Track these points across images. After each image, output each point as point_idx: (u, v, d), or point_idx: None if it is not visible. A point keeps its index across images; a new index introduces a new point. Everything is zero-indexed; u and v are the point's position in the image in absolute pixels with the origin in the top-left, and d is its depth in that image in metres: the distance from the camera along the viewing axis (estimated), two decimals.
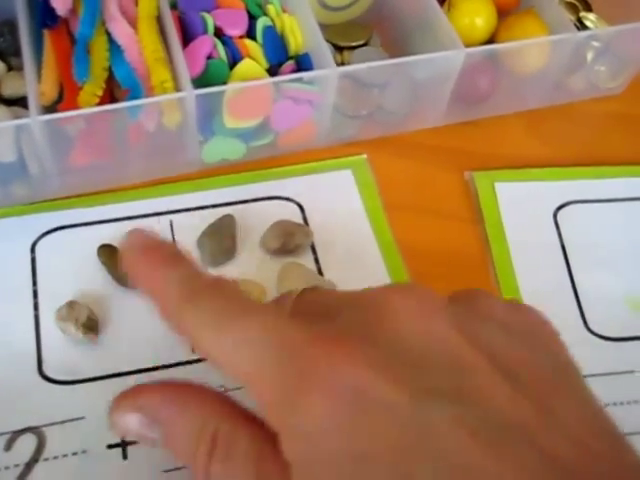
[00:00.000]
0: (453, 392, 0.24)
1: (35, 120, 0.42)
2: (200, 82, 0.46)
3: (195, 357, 0.42)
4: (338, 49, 0.54)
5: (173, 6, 0.50)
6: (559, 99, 0.57)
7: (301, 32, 0.50)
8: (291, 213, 0.48)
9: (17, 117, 0.44)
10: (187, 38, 0.48)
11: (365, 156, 0.52)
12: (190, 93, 0.44)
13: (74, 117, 0.43)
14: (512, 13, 0.55)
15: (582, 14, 0.56)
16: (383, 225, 0.48)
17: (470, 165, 0.52)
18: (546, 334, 0.29)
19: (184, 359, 0.42)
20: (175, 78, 0.46)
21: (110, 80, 0.46)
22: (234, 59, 0.48)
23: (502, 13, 0.54)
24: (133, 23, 0.47)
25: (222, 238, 0.45)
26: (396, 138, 0.53)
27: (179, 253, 0.30)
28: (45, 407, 0.39)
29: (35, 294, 0.43)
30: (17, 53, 0.47)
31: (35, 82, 0.45)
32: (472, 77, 0.52)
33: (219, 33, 0.49)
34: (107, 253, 0.44)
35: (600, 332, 0.46)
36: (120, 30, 0.46)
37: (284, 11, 0.51)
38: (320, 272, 0.46)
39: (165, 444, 0.28)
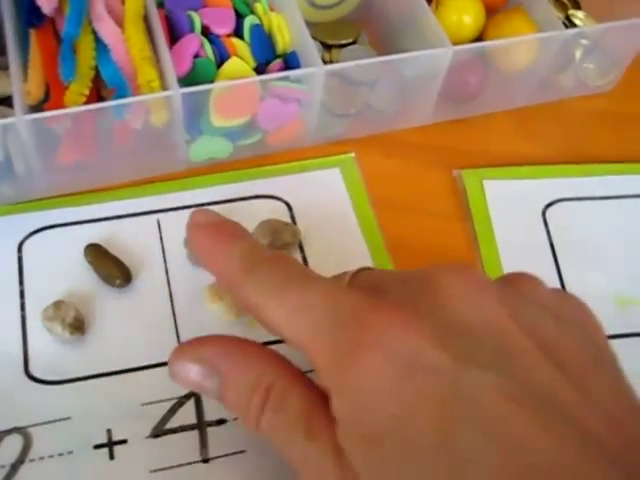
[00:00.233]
0: (497, 365, 0.25)
1: (21, 119, 0.42)
2: (187, 81, 0.46)
3: None
4: (326, 47, 0.54)
5: (160, 5, 0.50)
6: (548, 97, 0.57)
7: (289, 30, 0.50)
8: (279, 212, 0.48)
9: (3, 116, 0.44)
10: (174, 37, 0.48)
11: (353, 154, 0.52)
12: (176, 92, 0.44)
13: (60, 116, 0.43)
14: (500, 11, 0.55)
15: (571, 12, 0.56)
16: (371, 224, 0.48)
17: (458, 163, 0.52)
18: (588, 322, 0.30)
19: None
20: (162, 77, 0.45)
21: (97, 79, 0.45)
22: (221, 58, 0.48)
23: (490, 11, 0.54)
24: (120, 22, 0.47)
25: None
26: (384, 136, 0.53)
27: (240, 230, 0.33)
28: (31, 407, 0.39)
29: (22, 294, 0.43)
30: (2, 52, 0.46)
31: (21, 81, 0.45)
32: (460, 75, 0.51)
33: (206, 32, 0.49)
34: (94, 253, 0.44)
35: None
36: (106, 29, 0.46)
37: (272, 9, 0.51)
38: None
39: (220, 395, 0.30)
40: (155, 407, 0.39)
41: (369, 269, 0.33)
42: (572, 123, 0.57)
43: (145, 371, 0.41)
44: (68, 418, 0.39)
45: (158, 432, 0.39)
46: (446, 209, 0.50)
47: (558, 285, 0.47)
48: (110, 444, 0.38)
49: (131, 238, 0.46)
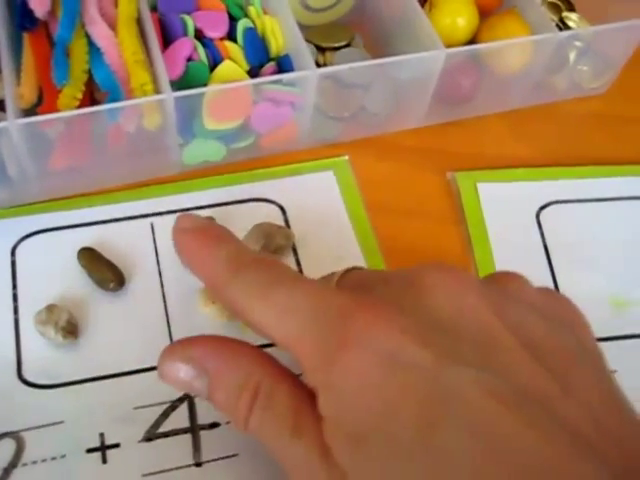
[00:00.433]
0: (480, 362, 0.26)
1: (14, 123, 0.42)
2: (181, 84, 0.46)
3: None
4: (320, 50, 0.54)
5: (153, 8, 0.50)
6: (542, 99, 0.57)
7: (282, 34, 0.50)
8: (273, 215, 0.48)
9: None
10: (167, 40, 0.48)
11: (347, 157, 0.51)
12: (169, 95, 0.44)
13: (53, 120, 0.43)
14: (494, 13, 0.55)
15: (565, 14, 0.56)
16: (365, 226, 0.48)
17: (452, 166, 0.52)
18: (575, 322, 0.31)
19: None
20: (155, 80, 0.45)
21: (90, 83, 0.45)
22: (214, 61, 0.48)
23: (484, 13, 0.54)
24: (113, 25, 0.47)
25: None
26: (378, 139, 0.53)
27: (226, 233, 0.33)
28: (24, 411, 0.39)
29: (15, 298, 0.43)
30: None
31: (14, 85, 0.45)
32: (454, 77, 0.52)
33: (199, 35, 0.49)
34: (87, 256, 0.44)
35: None
36: (99, 32, 0.46)
37: (265, 13, 0.51)
38: (301, 273, 0.45)
39: (209, 394, 0.30)
40: (148, 411, 0.39)
41: (358, 269, 0.34)
42: (566, 125, 0.57)
43: (138, 375, 0.41)
44: (61, 422, 0.39)
45: (151, 436, 0.39)
46: (440, 212, 0.50)
47: (552, 287, 0.47)
48: (103, 448, 0.38)
49: (124, 242, 0.46)
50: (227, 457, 0.38)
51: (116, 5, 0.48)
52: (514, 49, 0.52)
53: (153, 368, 0.41)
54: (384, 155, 0.52)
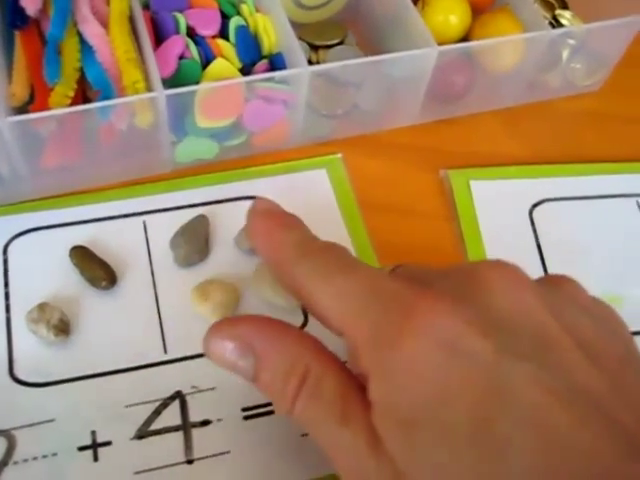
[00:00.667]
0: (537, 358, 0.26)
1: (5, 121, 0.42)
2: (173, 82, 0.46)
3: (168, 358, 0.42)
4: (313, 48, 0.54)
5: (145, 6, 0.50)
6: (535, 97, 0.57)
7: (274, 31, 0.50)
8: None
9: None
10: (159, 38, 0.48)
11: (340, 155, 0.52)
12: (160, 93, 0.44)
13: (45, 118, 0.43)
14: (487, 11, 0.55)
15: (558, 12, 0.57)
16: (358, 224, 0.48)
17: (445, 163, 0.52)
18: (621, 327, 0.31)
19: (156, 360, 0.41)
20: (147, 78, 0.45)
21: (82, 81, 0.45)
22: (207, 59, 0.48)
23: (477, 11, 0.54)
24: (105, 23, 0.47)
25: (195, 238, 0.45)
26: (371, 137, 0.53)
27: (296, 221, 0.34)
28: (16, 409, 0.39)
29: (7, 296, 0.43)
30: None
31: (5, 83, 0.45)
32: (447, 75, 0.52)
33: (192, 33, 0.49)
34: (79, 255, 0.44)
35: None
36: (91, 30, 0.46)
37: (257, 10, 0.51)
38: None
39: (255, 376, 0.30)
40: (139, 408, 0.39)
41: (411, 263, 0.34)
42: (559, 123, 0.57)
43: (130, 373, 0.41)
44: (52, 420, 0.39)
45: (142, 433, 0.39)
46: (433, 209, 0.50)
47: None
48: (94, 446, 0.38)
49: (117, 240, 0.46)
50: (218, 454, 0.38)
51: (108, 3, 0.48)
52: (507, 47, 0.52)
53: (145, 366, 0.41)
54: (377, 153, 0.52)
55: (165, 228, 0.46)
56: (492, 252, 0.48)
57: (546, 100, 0.57)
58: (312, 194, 0.49)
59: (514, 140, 0.54)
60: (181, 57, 0.47)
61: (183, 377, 0.41)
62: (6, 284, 0.44)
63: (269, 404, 0.40)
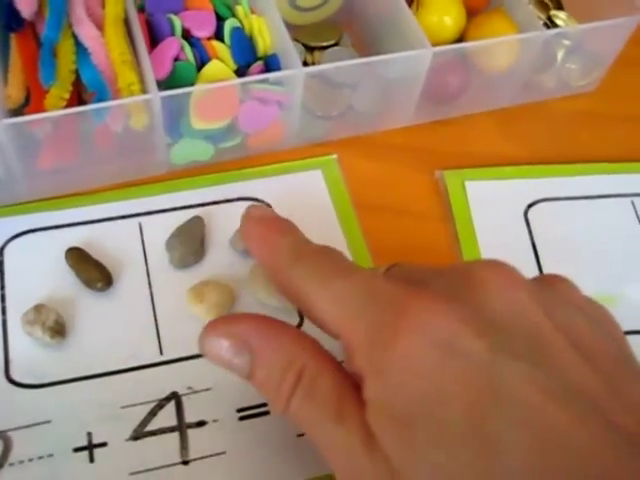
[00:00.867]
0: (530, 355, 0.26)
1: (1, 124, 0.42)
2: (168, 84, 0.46)
3: (163, 359, 0.42)
4: (309, 49, 0.54)
5: (140, 8, 0.50)
6: (530, 97, 0.57)
7: (269, 33, 0.50)
8: None
9: None
10: (155, 40, 0.48)
11: (335, 156, 0.52)
12: (155, 95, 0.44)
13: (41, 120, 0.43)
14: (481, 12, 0.55)
15: (553, 12, 0.57)
16: (353, 225, 0.48)
17: (440, 164, 0.52)
18: (614, 327, 0.31)
19: (152, 361, 0.42)
20: (142, 80, 0.45)
21: (77, 83, 0.45)
22: (202, 61, 0.48)
23: (471, 12, 0.54)
24: (100, 25, 0.47)
25: (191, 240, 0.45)
26: (366, 138, 0.53)
27: (291, 226, 0.35)
28: (12, 411, 0.39)
29: (2, 298, 0.43)
30: None
31: (1, 85, 0.45)
32: (442, 76, 0.52)
33: (187, 35, 0.49)
34: (75, 256, 0.44)
35: None
36: (87, 33, 0.46)
37: (252, 12, 0.51)
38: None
39: (250, 373, 0.30)
40: (135, 410, 0.40)
41: (405, 263, 0.35)
42: (555, 123, 0.57)
43: (125, 374, 0.41)
44: (48, 421, 0.39)
45: (138, 434, 0.39)
46: (428, 210, 0.50)
47: None
48: (90, 447, 0.38)
49: (112, 241, 0.46)
50: (214, 455, 0.38)
51: (103, 5, 0.48)
52: (501, 47, 0.52)
53: (140, 367, 0.41)
54: (372, 154, 0.53)
55: (161, 229, 0.46)
56: (487, 252, 0.48)
57: (541, 100, 0.58)
58: (307, 195, 0.49)
59: (509, 140, 0.55)
60: (176, 59, 0.47)
61: (179, 378, 0.41)
62: (2, 286, 0.44)
63: (264, 405, 0.40)
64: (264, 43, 0.49)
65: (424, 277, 0.31)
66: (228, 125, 0.48)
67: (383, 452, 0.26)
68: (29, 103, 0.45)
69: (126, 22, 0.48)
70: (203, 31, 0.49)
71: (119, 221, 0.47)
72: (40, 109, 0.44)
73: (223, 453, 0.38)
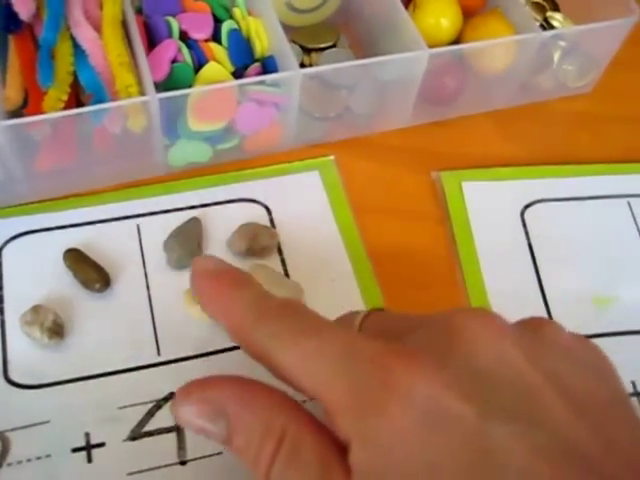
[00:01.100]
0: (518, 413, 0.25)
1: None
2: (166, 86, 0.46)
3: (161, 360, 0.42)
4: (306, 51, 0.54)
5: (138, 10, 0.50)
6: (527, 98, 0.57)
7: (266, 35, 0.50)
8: (258, 215, 0.48)
9: None
10: (152, 42, 0.48)
11: (332, 157, 0.52)
12: (153, 97, 0.44)
13: (39, 122, 0.43)
14: (478, 14, 0.55)
15: (549, 14, 0.57)
16: (350, 226, 0.48)
17: (437, 165, 0.52)
18: (605, 368, 0.30)
19: (149, 362, 0.42)
20: (140, 82, 0.46)
21: (75, 85, 0.46)
22: (199, 62, 0.48)
23: (468, 14, 0.55)
24: (98, 27, 0.47)
25: (188, 241, 0.45)
26: (363, 139, 0.53)
27: (246, 277, 0.31)
28: (10, 411, 0.39)
29: (1, 299, 0.43)
30: None
31: None
32: (438, 77, 0.52)
33: (184, 36, 0.49)
34: (73, 257, 0.44)
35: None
36: (84, 35, 0.46)
37: (250, 14, 0.51)
38: (287, 274, 0.46)
39: (228, 440, 0.28)
40: (133, 410, 0.40)
41: (381, 311, 0.33)
42: (551, 124, 0.57)
43: (123, 375, 0.41)
44: (46, 422, 0.39)
45: (136, 435, 0.39)
46: (425, 211, 0.50)
47: (536, 286, 0.47)
48: (88, 447, 0.39)
49: (110, 243, 0.46)
50: (211, 455, 0.38)
51: (101, 7, 0.48)
52: (498, 49, 0.52)
53: (138, 368, 0.41)
54: (369, 155, 0.53)
55: (159, 231, 0.46)
56: (484, 253, 0.48)
57: (538, 102, 0.58)
58: (305, 196, 0.50)
59: (506, 141, 0.55)
60: (174, 61, 0.47)
61: (176, 378, 0.40)
62: (0, 287, 0.44)
63: None
64: (261, 45, 0.50)
65: (403, 330, 0.29)
66: (226, 127, 0.48)
67: None
68: (27, 105, 0.45)
69: (124, 24, 0.48)
70: (200, 33, 0.49)
71: (117, 222, 0.47)
72: (38, 111, 0.44)
73: (220, 453, 0.38)
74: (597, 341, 0.43)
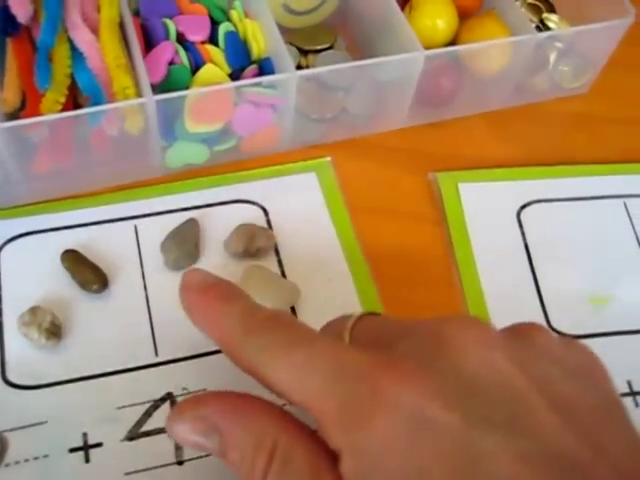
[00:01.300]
0: (505, 421, 0.25)
1: None
2: (163, 88, 0.47)
3: (158, 360, 0.42)
4: (303, 53, 0.55)
5: (135, 13, 0.50)
6: (523, 100, 0.57)
7: (263, 37, 0.50)
8: (255, 216, 0.48)
9: None
10: (149, 44, 0.49)
11: (329, 159, 0.52)
12: (150, 99, 0.44)
13: (36, 124, 0.43)
14: (474, 15, 0.55)
15: (545, 15, 0.57)
16: (347, 227, 0.48)
17: (434, 166, 0.52)
18: (596, 371, 0.30)
19: (147, 362, 0.42)
20: (137, 84, 0.46)
21: (73, 87, 0.46)
22: (196, 64, 0.48)
23: (463, 15, 0.55)
24: (95, 30, 0.47)
25: (186, 242, 0.46)
26: (360, 140, 0.54)
27: (235, 290, 0.31)
28: (8, 412, 0.40)
29: None
30: None
31: None
32: (435, 79, 0.52)
33: (181, 39, 0.49)
34: (70, 258, 0.44)
35: (564, 330, 0.46)
36: (82, 37, 0.46)
37: (246, 16, 0.51)
38: (284, 274, 0.46)
39: (222, 454, 0.28)
40: (130, 410, 0.40)
41: (371, 315, 0.33)
42: (547, 125, 0.57)
43: (121, 375, 0.41)
44: (44, 422, 0.39)
45: (133, 435, 0.39)
46: (421, 212, 0.51)
47: (532, 287, 0.48)
48: (86, 447, 0.39)
49: (108, 244, 0.46)
50: (208, 456, 0.38)
51: (98, 10, 0.48)
52: (494, 50, 0.52)
53: (136, 368, 0.42)
54: (366, 156, 0.53)
55: (156, 232, 0.46)
56: (480, 254, 0.48)
57: (534, 103, 0.58)
58: (301, 197, 0.50)
59: (502, 143, 0.55)
60: (171, 63, 0.48)
61: (174, 379, 0.41)
62: None
63: None
64: (258, 47, 0.50)
65: (393, 336, 0.29)
66: (222, 128, 0.48)
67: None
68: (25, 107, 0.45)
69: (121, 26, 0.49)
70: (197, 35, 0.49)
71: (115, 223, 0.47)
72: (36, 113, 0.44)
73: None
74: (593, 341, 0.45)
